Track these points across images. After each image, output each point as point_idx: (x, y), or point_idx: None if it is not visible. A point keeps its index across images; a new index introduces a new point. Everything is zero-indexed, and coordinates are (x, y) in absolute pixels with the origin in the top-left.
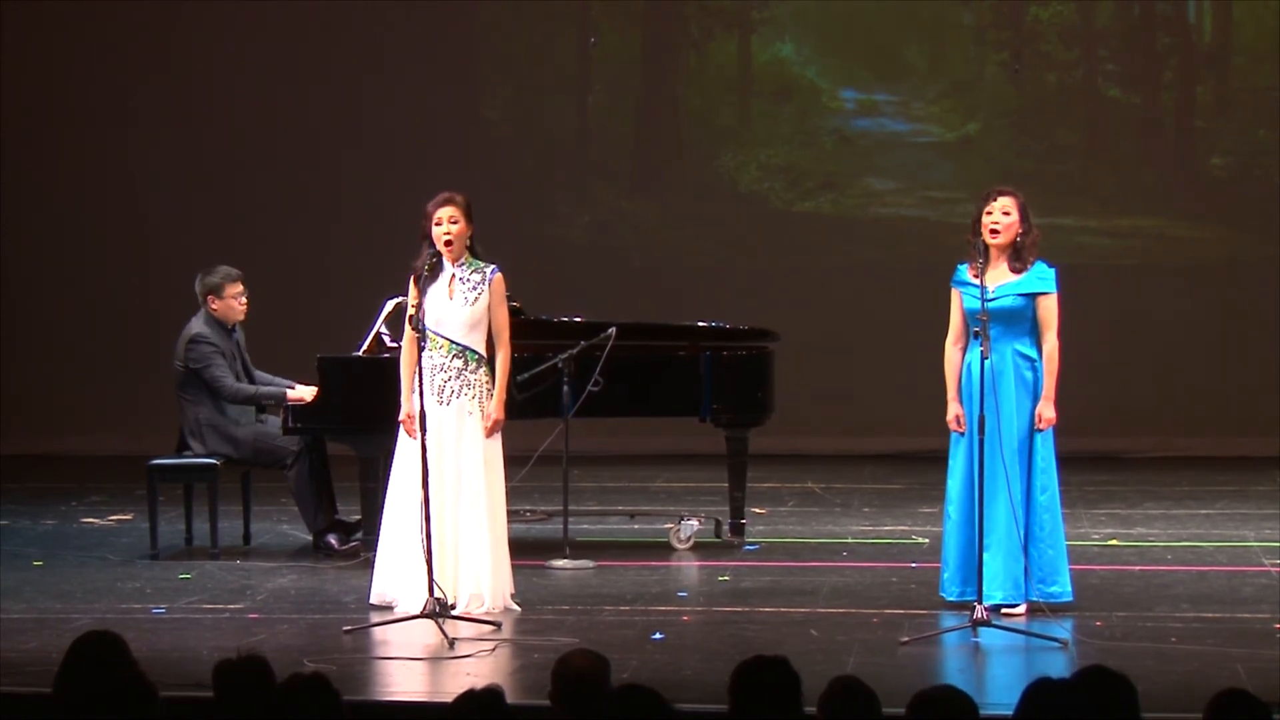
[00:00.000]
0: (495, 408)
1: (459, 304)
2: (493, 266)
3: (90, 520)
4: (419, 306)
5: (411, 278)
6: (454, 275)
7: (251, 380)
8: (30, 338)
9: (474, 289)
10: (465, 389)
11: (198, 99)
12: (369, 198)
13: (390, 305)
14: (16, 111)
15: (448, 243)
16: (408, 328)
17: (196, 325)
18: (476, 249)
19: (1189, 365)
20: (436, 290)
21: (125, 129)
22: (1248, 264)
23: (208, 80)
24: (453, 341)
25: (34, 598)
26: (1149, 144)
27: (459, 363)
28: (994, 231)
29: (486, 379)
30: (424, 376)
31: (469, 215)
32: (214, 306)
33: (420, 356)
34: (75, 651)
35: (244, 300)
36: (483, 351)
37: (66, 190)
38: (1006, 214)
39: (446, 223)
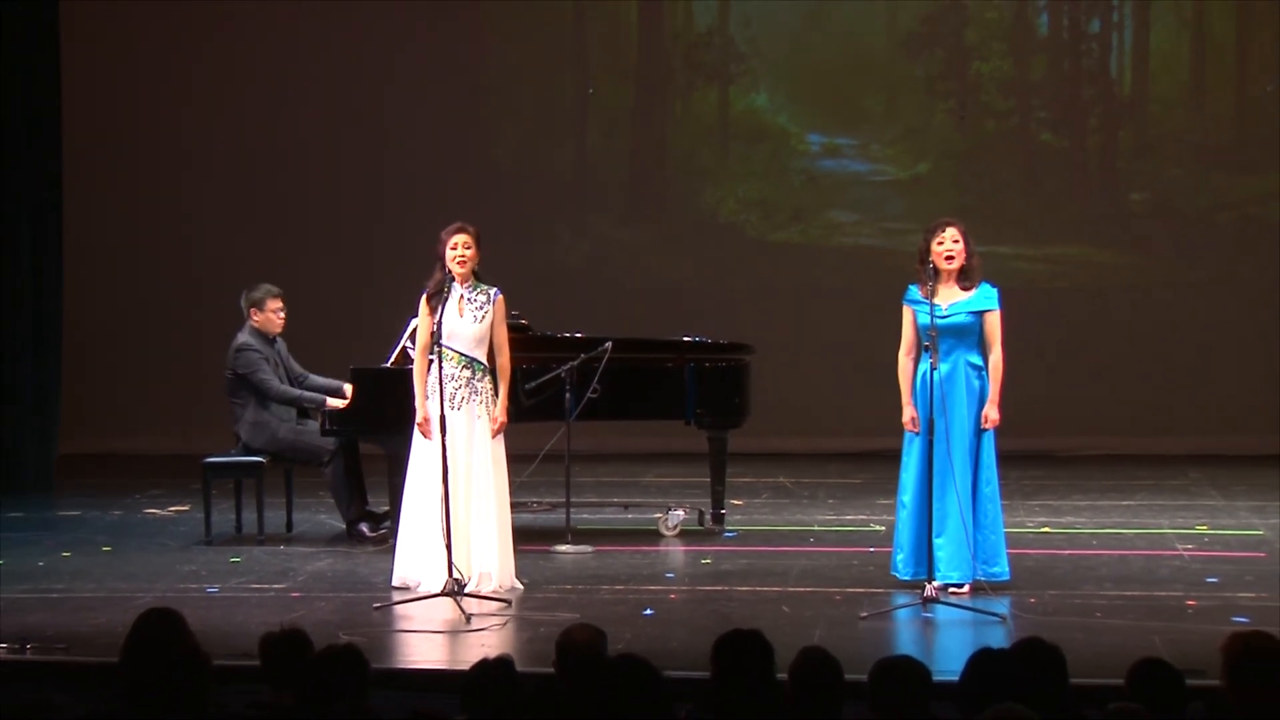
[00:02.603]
0: (500, 411)
1: (469, 321)
2: (495, 289)
3: (152, 511)
4: (439, 323)
5: (424, 297)
6: (462, 296)
7: (297, 382)
8: (96, 351)
9: (480, 309)
10: (473, 395)
11: (245, 142)
12: (394, 229)
13: (413, 324)
14: (81, 145)
15: (460, 264)
16: (420, 340)
17: (242, 336)
18: (480, 273)
19: (1112, 374)
20: (448, 309)
21: (179, 168)
22: (1163, 287)
23: (253, 124)
24: (461, 354)
25: (103, 579)
26: (1076, 182)
27: (467, 373)
28: (949, 258)
29: (491, 386)
30: (441, 385)
31: (479, 244)
32: (255, 319)
33: (441, 367)
34: (139, 626)
35: (282, 315)
36: (487, 362)
37: (127, 220)
38: (956, 242)
39: (460, 249)
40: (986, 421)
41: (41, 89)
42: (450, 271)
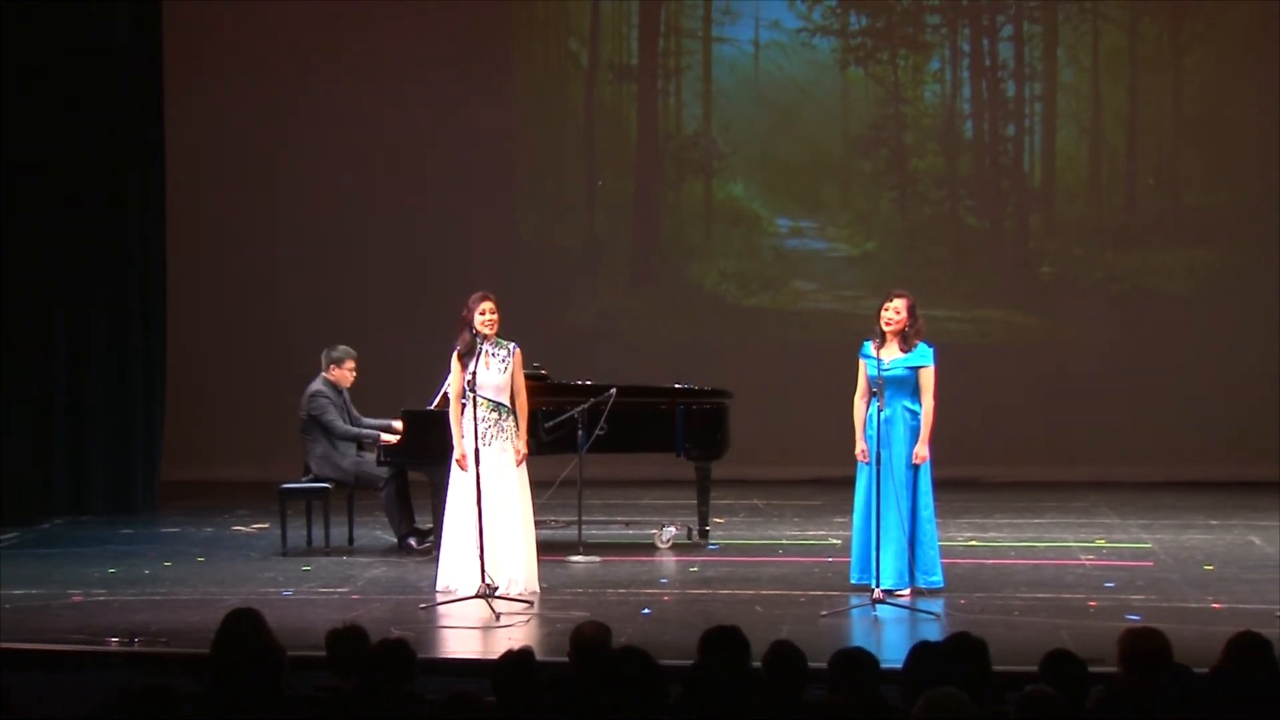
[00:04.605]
0: (521, 445)
1: (494, 373)
2: (514, 344)
3: (238, 528)
4: (474, 374)
5: (455, 355)
6: (487, 351)
7: (356, 423)
8: (193, 398)
9: (502, 361)
10: (500, 433)
11: (317, 217)
12: (438, 295)
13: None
14: (181, 217)
15: (490, 326)
16: (457, 388)
17: (316, 384)
18: (501, 331)
19: (1026, 416)
20: (478, 363)
21: (262, 240)
22: (1067, 344)
23: (324, 211)
24: (489, 400)
25: (197, 584)
26: (996, 258)
27: (495, 415)
28: (887, 324)
29: (514, 425)
30: (475, 425)
31: (499, 308)
32: (332, 374)
33: (474, 412)
34: (226, 623)
35: (354, 374)
36: (510, 405)
37: (220, 286)
38: (898, 312)
39: (489, 313)
40: (916, 457)
41: (146, 150)
42: (479, 331)
